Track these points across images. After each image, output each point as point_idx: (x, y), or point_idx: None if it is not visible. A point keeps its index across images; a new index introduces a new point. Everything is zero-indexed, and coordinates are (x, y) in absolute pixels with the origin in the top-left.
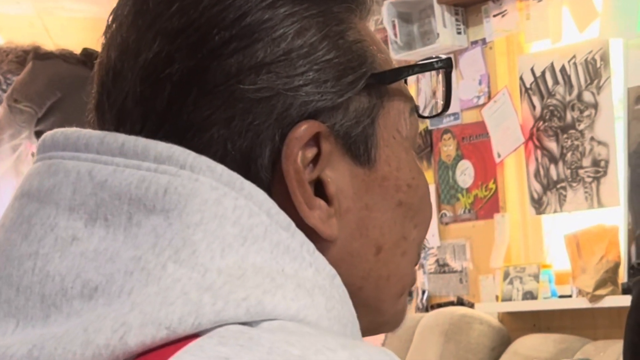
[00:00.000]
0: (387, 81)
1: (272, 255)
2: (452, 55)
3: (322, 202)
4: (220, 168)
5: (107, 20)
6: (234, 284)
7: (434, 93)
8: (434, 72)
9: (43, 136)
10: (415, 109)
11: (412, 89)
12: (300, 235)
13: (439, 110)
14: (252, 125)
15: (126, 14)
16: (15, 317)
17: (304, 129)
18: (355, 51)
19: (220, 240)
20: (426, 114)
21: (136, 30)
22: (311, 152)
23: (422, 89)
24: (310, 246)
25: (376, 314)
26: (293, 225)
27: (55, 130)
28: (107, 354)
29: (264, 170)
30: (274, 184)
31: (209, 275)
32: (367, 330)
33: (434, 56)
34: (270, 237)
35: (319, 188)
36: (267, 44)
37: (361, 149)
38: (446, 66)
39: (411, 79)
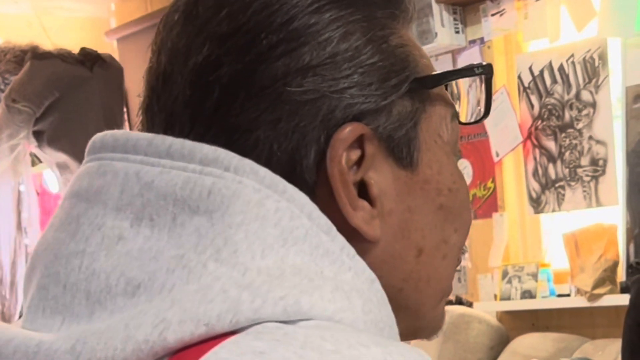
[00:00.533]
0: (429, 85)
1: (312, 257)
2: (491, 62)
3: (365, 204)
4: (263, 171)
5: (158, 27)
6: (272, 283)
7: (478, 101)
8: (479, 82)
9: (93, 138)
10: (456, 114)
11: (464, 100)
12: (340, 238)
13: (480, 116)
14: (298, 126)
15: (176, 20)
16: (62, 314)
17: (349, 131)
18: (398, 55)
19: (261, 241)
20: (472, 121)
21: (186, 35)
22: (355, 154)
23: (471, 100)
24: (351, 250)
25: (415, 317)
26: (334, 228)
27: (105, 132)
28: (147, 350)
29: (309, 172)
30: (318, 186)
31: (248, 274)
32: (405, 334)
33: (475, 62)
34: (310, 240)
35: (362, 190)
36: (314, 48)
37: (404, 152)
38: (487, 72)
39: (464, 90)
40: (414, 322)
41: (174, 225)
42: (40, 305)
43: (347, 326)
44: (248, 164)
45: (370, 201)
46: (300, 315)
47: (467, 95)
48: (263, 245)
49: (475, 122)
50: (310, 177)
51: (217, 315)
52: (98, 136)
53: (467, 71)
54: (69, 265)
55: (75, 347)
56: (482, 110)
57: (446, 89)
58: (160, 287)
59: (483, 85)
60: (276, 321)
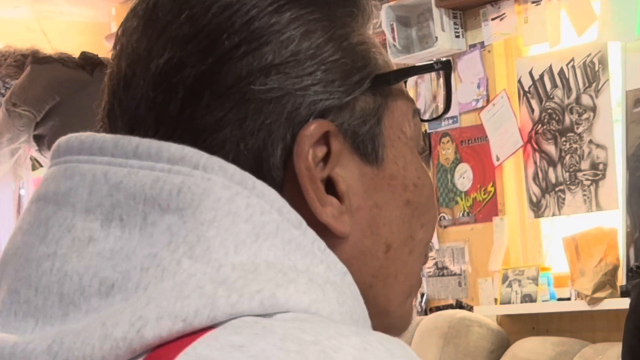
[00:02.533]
0: (391, 82)
1: (284, 251)
2: (450, 59)
3: (333, 200)
4: (232, 168)
5: (117, 33)
6: (247, 278)
7: (435, 97)
8: (434, 76)
9: (57, 141)
10: (417, 111)
11: (411, 93)
12: (311, 233)
13: (440, 113)
14: (263, 124)
15: (136, 26)
16: (35, 316)
17: (314, 128)
18: (359, 53)
19: (233, 237)
20: (426, 117)
21: (147, 39)
22: (321, 151)
23: (422, 93)
24: (322, 244)
25: (384, 315)
26: (304, 223)
27: (70, 135)
28: (125, 347)
29: (276, 169)
30: (286, 183)
31: (223, 270)
32: None
33: (434, 59)
34: (282, 235)
35: (330, 187)
36: (276, 47)
37: (369, 148)
38: (446, 68)
39: (410, 84)
40: (383, 319)
41: (144, 225)
42: (12, 309)
43: (324, 318)
44: (216, 161)
45: (338, 197)
46: (277, 309)
47: (415, 89)
48: (236, 241)
49: (436, 118)
50: (277, 174)
51: (194, 310)
52: (63, 139)
53: (426, 67)
54: (40, 268)
55: (52, 347)
56: (441, 106)
57: (405, 86)
58: (135, 286)
59: (441, 81)
60: (253, 315)
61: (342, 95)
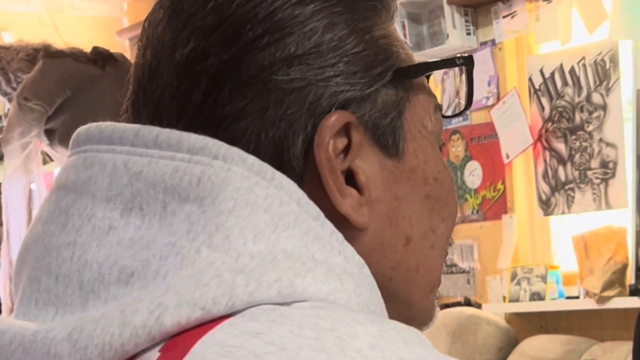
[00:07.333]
0: (413, 75)
1: (303, 242)
2: (472, 54)
3: (353, 191)
4: (251, 158)
5: (143, 25)
6: (265, 267)
7: (457, 92)
8: (457, 72)
9: (77, 131)
10: (438, 106)
11: (437, 89)
12: (329, 224)
13: (462, 109)
14: (285, 115)
15: (161, 17)
16: (55, 304)
17: (335, 119)
18: (382, 46)
19: (252, 227)
20: (450, 113)
21: (172, 29)
22: (342, 143)
23: (447, 89)
24: (339, 236)
25: (405, 307)
26: (322, 215)
27: (89, 124)
28: (144, 335)
29: (297, 160)
30: (306, 174)
31: (241, 259)
32: None
33: (457, 54)
34: (300, 225)
35: (350, 178)
36: (299, 38)
37: (389, 141)
38: (467, 63)
39: (437, 79)
40: (405, 311)
41: (164, 214)
42: (32, 297)
43: (341, 306)
44: (236, 151)
45: (358, 189)
46: (294, 297)
47: (442, 84)
48: (254, 231)
49: (457, 114)
50: (298, 165)
51: (212, 299)
52: (83, 128)
53: (449, 62)
54: (60, 256)
55: (72, 334)
56: (463, 102)
57: (427, 81)
58: (154, 274)
59: (464, 76)
60: (271, 303)
61: (364, 87)
